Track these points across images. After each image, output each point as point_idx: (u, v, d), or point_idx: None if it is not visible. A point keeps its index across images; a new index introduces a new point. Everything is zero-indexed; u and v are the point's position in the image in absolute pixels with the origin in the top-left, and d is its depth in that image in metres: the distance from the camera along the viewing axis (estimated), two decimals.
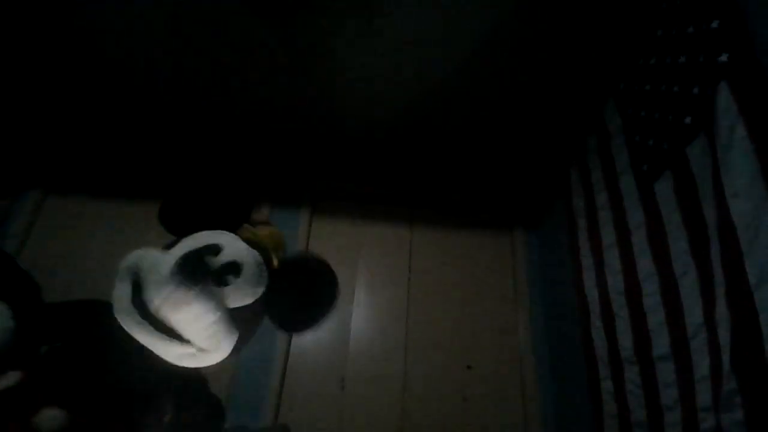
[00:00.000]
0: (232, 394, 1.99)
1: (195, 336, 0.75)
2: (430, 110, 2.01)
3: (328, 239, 2.38)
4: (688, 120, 1.16)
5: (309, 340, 2.18)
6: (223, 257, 0.79)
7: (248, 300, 0.82)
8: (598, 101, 1.70)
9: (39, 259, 2.19)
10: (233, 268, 0.80)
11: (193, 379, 0.89)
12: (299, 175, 2.49)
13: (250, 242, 0.86)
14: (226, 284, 0.78)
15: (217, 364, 0.86)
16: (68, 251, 2.23)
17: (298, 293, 0.90)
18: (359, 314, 2.24)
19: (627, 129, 1.50)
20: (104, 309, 0.76)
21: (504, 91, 1.87)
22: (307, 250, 2.33)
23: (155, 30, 1.70)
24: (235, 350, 0.81)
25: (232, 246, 0.82)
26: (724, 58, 1.03)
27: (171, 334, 0.74)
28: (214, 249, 0.79)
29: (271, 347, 2.10)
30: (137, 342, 0.73)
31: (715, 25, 1.08)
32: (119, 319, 0.72)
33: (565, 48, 1.64)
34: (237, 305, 0.80)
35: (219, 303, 0.76)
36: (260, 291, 0.83)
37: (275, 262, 0.90)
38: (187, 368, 0.79)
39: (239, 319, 0.81)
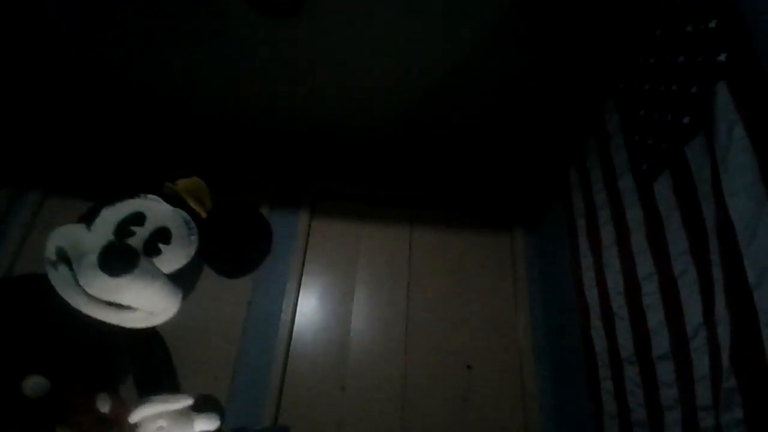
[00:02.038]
0: (232, 394, 1.99)
1: (140, 305, 0.75)
2: (430, 110, 2.02)
3: (328, 239, 2.38)
4: (686, 119, 1.16)
5: (309, 340, 2.18)
6: (150, 225, 0.79)
7: (183, 262, 0.83)
8: (598, 101, 1.70)
9: (39, 260, 2.19)
10: (162, 235, 0.80)
11: (146, 332, 0.91)
12: (298, 176, 2.49)
13: (173, 198, 0.85)
14: (158, 253, 0.78)
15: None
16: None
17: (232, 239, 0.91)
18: (359, 314, 2.24)
19: (626, 128, 1.50)
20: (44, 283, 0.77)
21: (504, 91, 1.88)
22: (305, 255, 2.31)
23: (156, 29, 1.70)
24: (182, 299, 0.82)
25: (155, 211, 0.81)
26: (722, 57, 1.04)
27: (116, 305, 0.74)
28: (138, 218, 0.78)
29: (271, 347, 2.10)
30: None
31: (713, 24, 1.08)
32: (69, 301, 0.72)
33: (565, 48, 1.64)
34: (172, 269, 0.81)
35: (155, 273, 0.75)
36: (193, 250, 0.84)
37: (203, 213, 0.90)
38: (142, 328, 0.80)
39: (179, 275, 0.81)
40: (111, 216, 0.79)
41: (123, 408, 0.80)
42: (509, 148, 2.22)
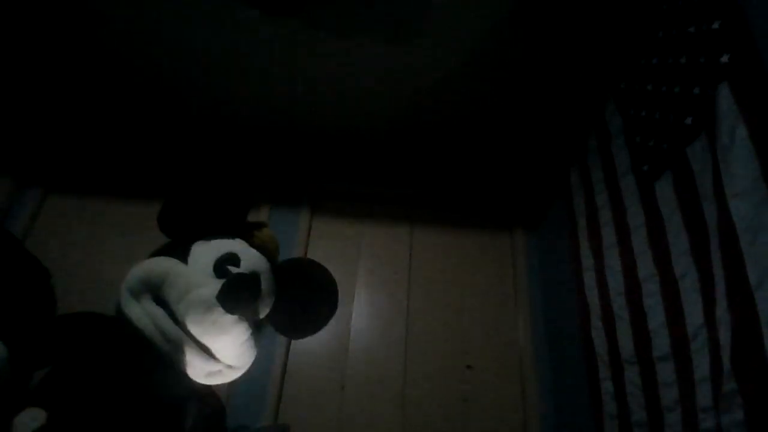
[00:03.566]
0: (232, 393, 1.98)
1: (226, 355, 0.72)
2: (430, 110, 2.01)
3: (328, 239, 2.38)
4: (688, 120, 1.16)
5: (309, 340, 2.18)
6: (244, 268, 0.76)
7: (266, 311, 0.79)
8: (599, 101, 1.70)
9: (40, 259, 2.19)
10: (255, 281, 0.77)
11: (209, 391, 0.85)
12: (299, 175, 2.49)
13: (258, 247, 0.83)
14: (257, 299, 0.76)
15: None
16: (69, 251, 2.23)
17: (299, 297, 0.86)
18: (359, 314, 2.24)
19: (627, 129, 1.50)
20: (104, 323, 0.72)
21: (504, 91, 1.87)
22: (306, 255, 2.29)
23: (157, 27, 1.70)
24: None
25: (247, 255, 0.78)
26: (725, 58, 1.03)
27: (204, 352, 0.70)
28: (234, 259, 0.75)
29: (271, 348, 2.10)
30: (152, 359, 0.68)
31: (716, 25, 1.08)
32: (158, 340, 0.67)
33: (566, 47, 1.64)
34: (257, 317, 0.78)
35: (250, 320, 0.73)
36: (273, 299, 0.81)
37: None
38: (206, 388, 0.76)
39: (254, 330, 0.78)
40: (205, 253, 0.75)
41: None
42: (510, 148, 2.22)
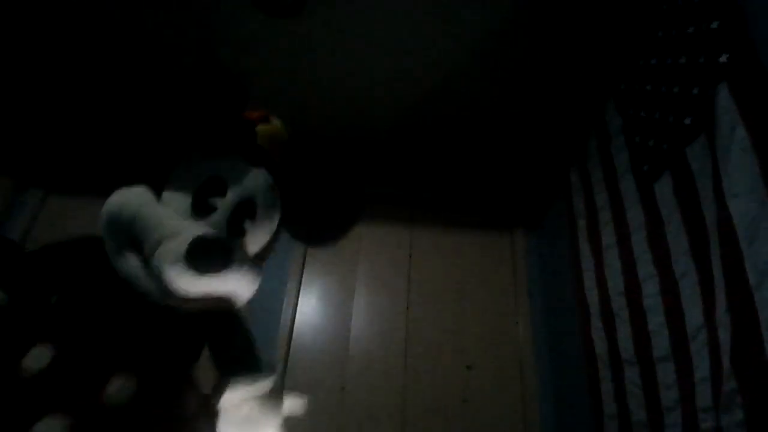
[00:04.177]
0: None
1: (224, 294, 0.64)
2: (431, 110, 2.02)
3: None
4: (688, 121, 1.16)
5: (309, 340, 2.18)
6: (232, 194, 0.64)
7: (266, 238, 0.69)
8: (599, 101, 1.70)
9: None
10: (246, 208, 0.65)
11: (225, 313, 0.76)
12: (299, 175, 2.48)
13: (260, 154, 0.71)
14: (242, 235, 0.64)
15: None
16: None
17: (313, 197, 0.77)
18: (359, 314, 2.24)
19: (627, 129, 1.50)
20: (100, 246, 0.65)
21: (505, 91, 1.88)
22: (305, 255, 2.21)
23: (158, 29, 1.70)
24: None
25: (236, 173, 0.65)
26: (724, 58, 1.04)
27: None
28: (218, 184, 0.63)
29: (271, 347, 2.10)
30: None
31: (715, 25, 1.08)
32: (141, 290, 0.60)
33: (566, 48, 1.64)
34: (256, 250, 0.67)
35: (242, 259, 0.62)
36: (276, 223, 0.69)
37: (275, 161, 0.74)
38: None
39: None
40: (184, 183, 0.65)
41: (207, 402, 0.68)
42: (510, 149, 2.22)
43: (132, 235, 0.60)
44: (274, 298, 2.20)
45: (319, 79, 1.87)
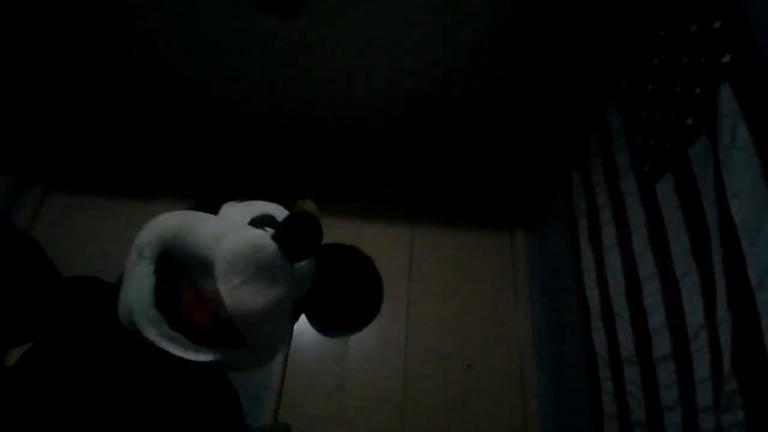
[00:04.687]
0: None
1: (253, 332, 0.54)
2: (431, 110, 2.01)
3: (328, 238, 2.37)
4: (690, 120, 1.16)
5: (309, 340, 2.18)
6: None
7: (305, 288, 0.64)
8: (600, 101, 1.70)
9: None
10: None
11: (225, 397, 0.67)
12: (299, 175, 2.48)
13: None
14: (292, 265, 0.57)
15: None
16: (70, 248, 2.23)
17: (340, 287, 0.72)
18: None
19: (628, 129, 1.50)
20: (101, 291, 0.57)
21: (505, 91, 1.87)
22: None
23: (159, 26, 1.69)
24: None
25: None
26: (726, 58, 1.03)
27: (210, 332, 0.51)
28: (270, 220, 0.59)
29: None
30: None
31: (717, 25, 1.08)
32: (138, 326, 0.49)
33: (567, 47, 1.64)
34: (295, 296, 0.61)
35: (290, 290, 0.56)
36: (312, 279, 0.65)
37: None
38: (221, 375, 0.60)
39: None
40: (237, 212, 0.60)
41: None
42: (510, 148, 2.22)
43: (173, 244, 0.52)
44: None
45: (318, 78, 1.87)
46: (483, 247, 2.44)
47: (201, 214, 0.56)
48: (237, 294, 0.49)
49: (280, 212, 0.64)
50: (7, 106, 2.15)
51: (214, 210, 0.61)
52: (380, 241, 2.41)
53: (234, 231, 0.51)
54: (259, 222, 0.57)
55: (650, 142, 1.35)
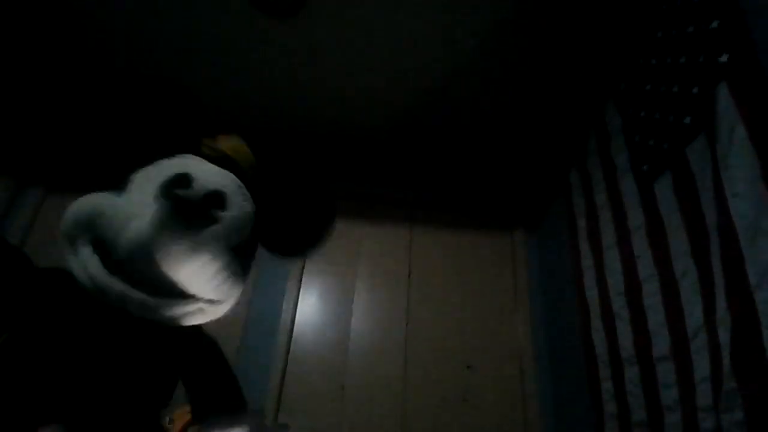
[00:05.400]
0: None
1: (200, 289, 0.60)
2: (430, 110, 2.01)
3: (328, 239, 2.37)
4: (688, 120, 1.16)
5: (309, 340, 2.18)
6: (199, 188, 0.62)
7: (243, 232, 0.67)
8: (599, 101, 1.70)
9: (39, 259, 2.19)
10: (216, 200, 0.64)
11: (199, 340, 0.72)
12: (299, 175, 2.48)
13: (215, 160, 0.71)
14: (214, 222, 0.62)
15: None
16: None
17: (286, 209, 0.74)
18: (359, 314, 2.24)
19: (627, 129, 1.50)
20: (60, 279, 0.61)
21: (505, 91, 1.87)
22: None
23: (158, 27, 1.70)
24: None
25: (202, 172, 0.65)
26: (724, 58, 1.03)
27: (168, 290, 0.58)
28: (184, 180, 0.62)
29: (272, 347, 2.10)
30: (121, 314, 0.56)
31: (715, 25, 1.08)
32: (95, 293, 0.56)
33: (567, 48, 1.64)
34: (233, 242, 0.65)
35: (216, 247, 0.61)
36: (250, 220, 0.68)
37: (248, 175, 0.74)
38: (191, 328, 0.64)
39: (237, 256, 0.66)
40: (148, 180, 0.63)
41: None
42: (510, 149, 2.22)
43: (93, 229, 0.59)
44: (274, 298, 2.20)
45: (318, 78, 1.87)
46: (483, 247, 2.44)
47: (107, 198, 0.61)
48: (165, 266, 0.56)
49: (194, 165, 0.66)
50: (7, 109, 2.15)
51: (125, 180, 0.65)
52: (380, 241, 2.41)
53: (131, 222, 0.56)
54: (169, 187, 0.59)
55: (649, 142, 1.35)
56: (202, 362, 0.71)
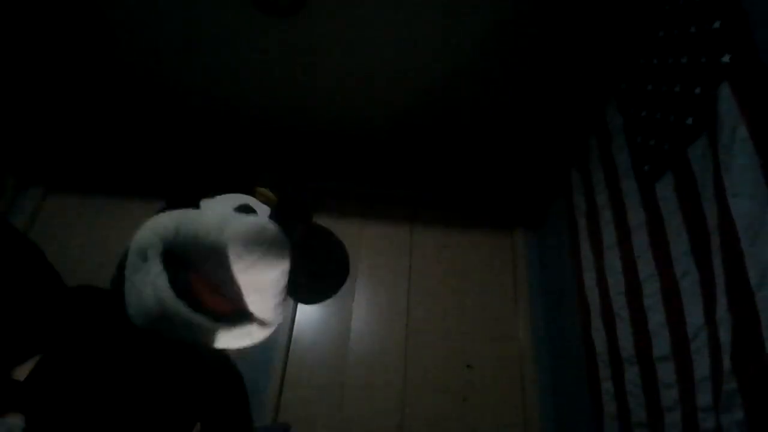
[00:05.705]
0: None
1: (262, 306, 0.63)
2: (431, 110, 2.01)
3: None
4: (689, 120, 1.16)
5: (309, 340, 2.18)
6: (263, 214, 0.67)
7: (283, 270, 0.70)
8: (600, 101, 1.70)
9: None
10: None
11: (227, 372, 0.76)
12: (299, 175, 2.48)
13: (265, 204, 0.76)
14: (288, 244, 0.66)
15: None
16: (69, 250, 2.23)
17: (309, 261, 0.77)
18: (359, 314, 2.24)
19: (628, 129, 1.50)
20: (101, 299, 0.62)
21: (505, 91, 1.87)
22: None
23: (158, 26, 1.69)
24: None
25: (260, 208, 0.71)
26: (726, 58, 1.03)
27: (224, 314, 0.60)
28: (249, 209, 0.65)
29: (271, 347, 2.10)
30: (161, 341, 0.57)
31: (717, 25, 1.08)
32: (155, 313, 0.56)
33: (567, 47, 1.64)
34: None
35: (287, 265, 0.64)
36: (288, 259, 0.71)
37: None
38: (224, 358, 0.68)
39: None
40: (217, 205, 0.67)
41: None
42: (510, 148, 2.22)
43: (171, 240, 0.59)
44: None
45: (318, 78, 1.87)
46: (483, 247, 2.45)
47: (190, 210, 0.64)
48: (251, 272, 0.58)
49: (251, 201, 0.72)
50: (7, 108, 2.14)
51: (191, 207, 0.68)
52: (380, 241, 2.41)
53: (232, 219, 0.59)
54: (242, 210, 0.64)
55: (650, 143, 1.35)
56: (225, 397, 0.72)
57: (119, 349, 0.58)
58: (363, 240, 2.41)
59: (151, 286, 0.56)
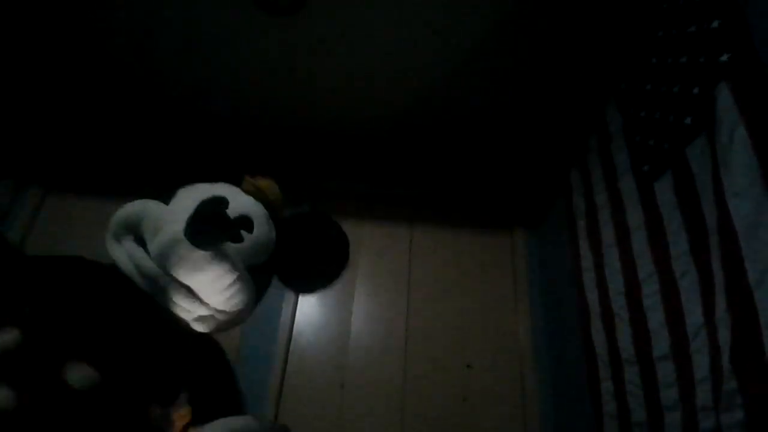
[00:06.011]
0: None
1: (212, 298, 0.68)
2: (430, 109, 2.01)
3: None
4: (688, 120, 1.16)
5: (309, 340, 2.18)
6: (232, 211, 0.71)
7: (262, 257, 0.76)
8: (599, 101, 1.70)
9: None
10: (244, 223, 0.74)
11: (210, 344, 0.80)
12: (298, 174, 2.49)
13: (252, 194, 0.81)
14: (239, 240, 0.71)
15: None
16: (69, 250, 2.22)
17: (306, 249, 0.84)
18: (359, 314, 2.24)
19: (627, 129, 1.50)
20: (92, 268, 0.71)
21: (505, 91, 1.87)
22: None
23: (158, 27, 1.70)
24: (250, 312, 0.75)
25: (237, 199, 0.76)
26: (725, 58, 1.03)
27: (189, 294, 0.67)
28: (221, 202, 0.69)
29: (271, 347, 2.10)
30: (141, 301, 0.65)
31: (715, 25, 1.08)
32: (142, 281, 0.65)
33: (566, 47, 1.64)
34: (252, 263, 0.74)
35: (236, 262, 0.69)
36: (272, 248, 0.77)
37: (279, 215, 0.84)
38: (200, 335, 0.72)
39: (253, 279, 0.74)
40: (190, 196, 0.73)
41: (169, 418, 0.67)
42: (510, 148, 2.22)
43: (137, 229, 0.68)
44: (274, 297, 2.20)
45: (318, 78, 1.87)
46: (483, 247, 2.45)
47: (153, 204, 0.71)
48: (179, 274, 0.64)
49: (231, 192, 0.76)
50: (6, 109, 2.15)
51: (172, 193, 0.75)
52: (380, 241, 2.41)
53: (168, 225, 0.66)
54: (208, 205, 0.66)
55: (649, 142, 1.35)
56: (208, 364, 0.78)
57: (118, 293, 0.67)
58: (363, 240, 2.41)
59: (128, 256, 0.67)
